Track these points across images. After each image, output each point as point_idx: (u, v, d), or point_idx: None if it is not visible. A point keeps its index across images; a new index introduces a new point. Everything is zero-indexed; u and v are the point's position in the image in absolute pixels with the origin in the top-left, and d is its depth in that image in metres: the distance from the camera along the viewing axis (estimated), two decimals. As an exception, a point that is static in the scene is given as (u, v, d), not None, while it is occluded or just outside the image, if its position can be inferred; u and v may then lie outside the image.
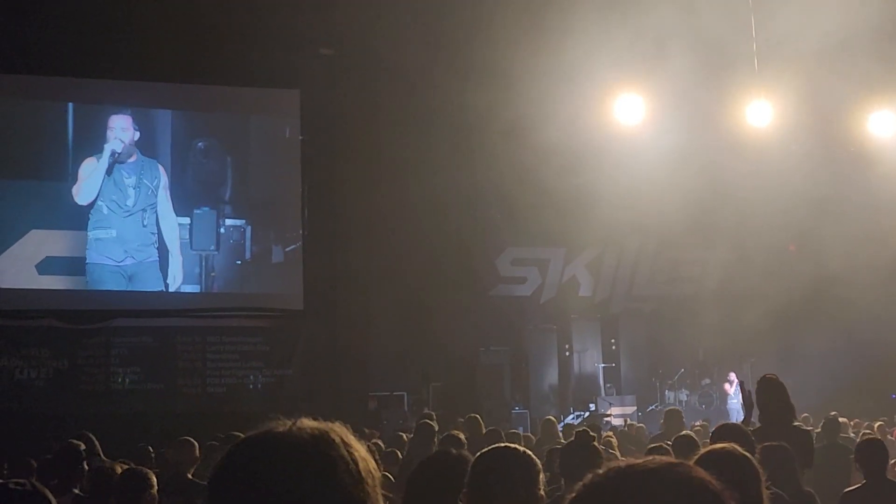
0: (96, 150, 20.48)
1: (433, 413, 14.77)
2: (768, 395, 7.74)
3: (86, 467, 8.05)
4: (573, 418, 22.53)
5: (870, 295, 21.47)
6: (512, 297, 24.46)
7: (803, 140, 20.21)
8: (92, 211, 20.27)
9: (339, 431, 1.83)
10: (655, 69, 18.58)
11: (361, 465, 1.80)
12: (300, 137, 21.69)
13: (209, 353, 20.65)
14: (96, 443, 10.49)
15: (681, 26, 17.12)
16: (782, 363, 22.41)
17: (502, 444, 3.84)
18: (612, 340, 25.36)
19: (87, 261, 20.17)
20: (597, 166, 21.29)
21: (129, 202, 20.54)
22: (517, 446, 3.76)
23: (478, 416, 13.19)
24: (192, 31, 18.80)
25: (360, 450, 1.83)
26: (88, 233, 20.23)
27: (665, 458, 1.69)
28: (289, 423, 1.82)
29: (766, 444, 5.86)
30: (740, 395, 23.07)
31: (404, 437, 12.85)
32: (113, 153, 20.46)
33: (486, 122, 20.60)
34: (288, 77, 21.07)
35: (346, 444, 1.81)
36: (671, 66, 18.34)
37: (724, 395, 23.88)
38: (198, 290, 20.91)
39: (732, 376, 23.37)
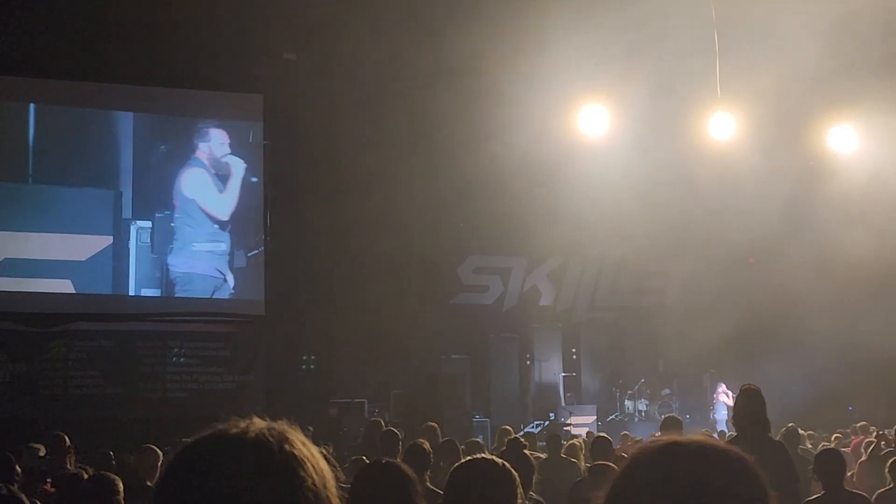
0: (185, 160, 20.94)
1: (381, 420, 14.70)
2: (746, 407, 7.70)
3: (19, 471, 8.12)
4: (532, 427, 22.56)
5: (828, 307, 21.67)
6: (474, 305, 24.45)
7: (765, 154, 20.36)
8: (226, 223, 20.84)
9: (295, 431, 1.78)
10: (620, 81, 18.66)
11: (322, 463, 1.77)
12: (264, 142, 21.60)
13: (170, 359, 20.49)
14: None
15: (645, 40, 17.22)
16: (742, 374, 22.56)
17: (480, 457, 3.82)
18: (573, 350, 25.41)
19: (191, 271, 20.60)
20: (561, 176, 21.37)
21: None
22: (496, 459, 3.74)
23: (435, 425, 13.10)
24: (155, 35, 18.69)
25: (315, 449, 1.79)
26: (197, 244, 20.63)
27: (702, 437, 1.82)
28: (243, 423, 1.75)
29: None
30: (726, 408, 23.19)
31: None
32: (245, 169, 21.00)
33: (451, 129, 20.58)
34: (252, 82, 20.98)
35: (305, 444, 1.76)
36: (636, 79, 18.45)
37: (713, 405, 23.80)
38: (158, 294, 20.76)
39: (723, 387, 23.40)
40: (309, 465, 1.72)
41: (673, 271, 25.16)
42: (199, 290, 20.71)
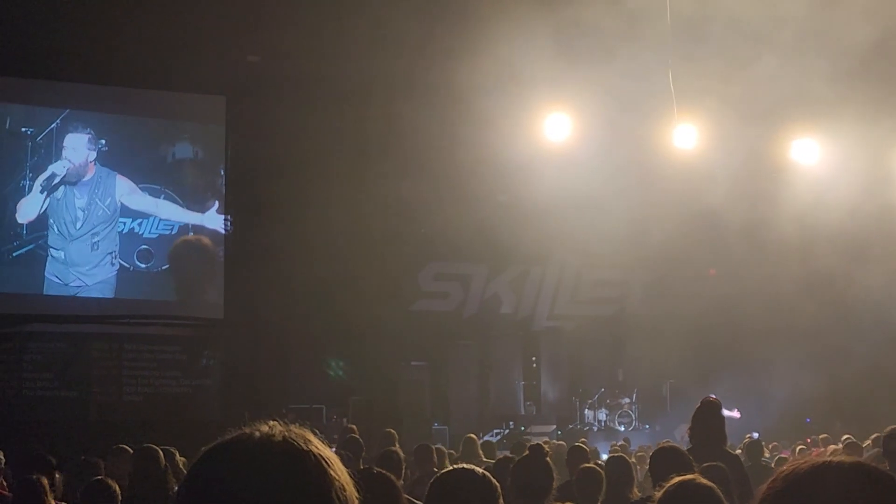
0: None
1: (354, 427, 14.60)
2: (705, 418, 7.71)
3: None
4: (491, 436, 22.46)
5: (788, 320, 21.77)
6: (434, 312, 24.33)
7: (728, 164, 20.40)
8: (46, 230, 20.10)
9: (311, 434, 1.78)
10: (584, 89, 18.64)
11: (341, 464, 1.77)
12: (225, 145, 21.44)
13: (126, 361, 20.23)
14: None
15: (610, 48, 17.22)
16: (701, 385, 22.63)
17: (460, 467, 3.72)
18: (533, 358, 25.33)
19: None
20: (523, 184, 21.31)
21: (78, 224, 20.28)
22: (475, 468, 3.64)
23: (393, 431, 13.02)
24: (119, 34, 18.46)
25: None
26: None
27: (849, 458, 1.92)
28: (264, 426, 1.73)
29: (703, 464, 5.86)
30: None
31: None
32: (56, 174, 20.31)
33: (414, 135, 20.50)
34: (214, 83, 20.78)
35: (325, 446, 1.77)
36: (600, 87, 18.44)
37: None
38: (114, 297, 20.51)
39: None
40: (335, 465, 1.73)
41: (633, 280, 25.20)
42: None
